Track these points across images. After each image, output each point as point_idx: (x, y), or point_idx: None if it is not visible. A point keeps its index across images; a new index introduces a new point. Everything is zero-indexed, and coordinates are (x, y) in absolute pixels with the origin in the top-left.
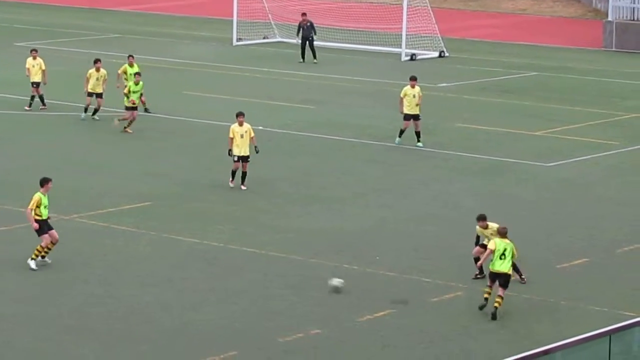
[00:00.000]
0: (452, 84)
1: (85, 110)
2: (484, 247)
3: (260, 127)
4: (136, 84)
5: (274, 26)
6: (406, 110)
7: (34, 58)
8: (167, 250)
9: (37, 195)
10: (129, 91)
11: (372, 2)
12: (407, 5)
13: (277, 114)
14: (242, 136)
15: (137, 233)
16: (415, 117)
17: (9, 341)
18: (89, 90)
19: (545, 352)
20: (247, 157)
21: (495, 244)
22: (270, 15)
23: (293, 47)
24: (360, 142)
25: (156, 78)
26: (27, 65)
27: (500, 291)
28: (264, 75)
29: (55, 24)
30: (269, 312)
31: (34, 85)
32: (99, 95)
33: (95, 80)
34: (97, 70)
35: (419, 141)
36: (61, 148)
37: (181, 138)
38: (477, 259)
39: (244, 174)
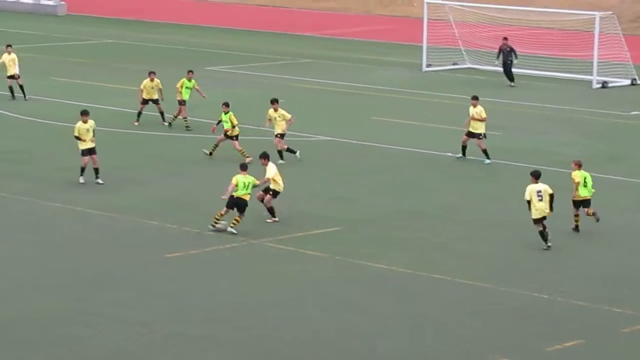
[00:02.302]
0: None
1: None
2: (540, 221)
3: (449, 154)
4: (225, 113)
5: (464, 52)
6: (469, 128)
7: (152, 80)
8: (355, 276)
9: (234, 178)
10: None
11: (563, 29)
12: (599, 32)
13: None
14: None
15: (325, 258)
16: (476, 136)
17: None
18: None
19: None
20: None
21: (579, 175)
22: (460, 42)
23: (482, 74)
24: (549, 169)
25: (346, 103)
26: (141, 87)
27: (590, 210)
28: (453, 102)
29: (245, 48)
30: (456, 339)
31: (154, 102)
32: None
33: None
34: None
35: (487, 158)
36: (249, 172)
37: (369, 163)
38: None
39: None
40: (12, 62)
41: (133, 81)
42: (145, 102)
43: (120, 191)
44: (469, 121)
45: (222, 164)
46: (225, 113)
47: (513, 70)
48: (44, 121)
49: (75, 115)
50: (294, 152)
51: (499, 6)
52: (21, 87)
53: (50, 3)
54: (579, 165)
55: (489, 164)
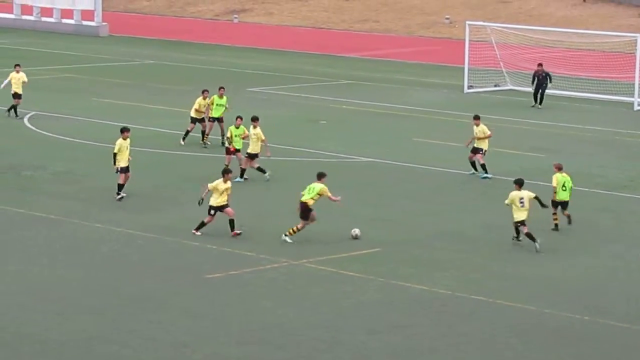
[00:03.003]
0: None
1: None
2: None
3: (491, 175)
4: (237, 127)
5: (505, 74)
6: (474, 145)
7: (204, 98)
8: (395, 297)
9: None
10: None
11: (604, 51)
12: None
13: (506, 161)
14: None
15: (365, 279)
16: (479, 151)
17: None
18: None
19: None
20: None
21: (557, 179)
22: (501, 63)
23: (524, 95)
24: (590, 192)
25: (386, 124)
26: (209, 102)
27: (565, 212)
28: (494, 123)
29: (286, 70)
30: None
31: (200, 122)
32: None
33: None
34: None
35: (475, 170)
36: (290, 193)
37: (410, 184)
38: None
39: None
40: (19, 82)
41: (174, 102)
42: (194, 121)
43: (161, 212)
44: (472, 140)
45: (262, 184)
46: (237, 127)
47: (547, 92)
48: (85, 142)
49: (116, 136)
50: (264, 172)
51: (540, 28)
52: (16, 106)
53: (93, 24)
54: (559, 169)
55: (484, 178)
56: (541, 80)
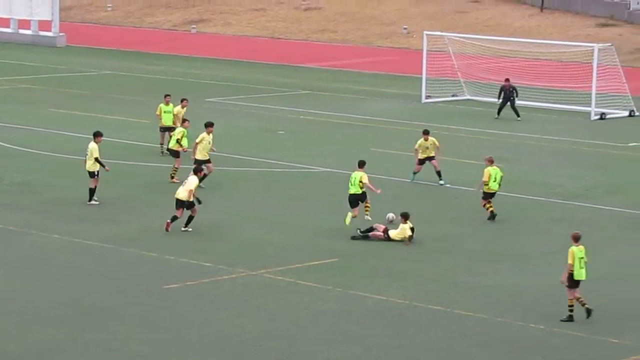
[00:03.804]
0: None
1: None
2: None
3: (448, 185)
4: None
5: (463, 84)
6: (420, 156)
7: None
8: (354, 307)
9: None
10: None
11: (562, 61)
12: (598, 64)
13: (465, 172)
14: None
15: (323, 289)
16: (430, 159)
17: None
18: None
19: None
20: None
21: (489, 172)
22: (459, 73)
23: (482, 105)
24: (548, 201)
25: (344, 134)
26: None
27: (490, 203)
28: (452, 133)
29: (244, 80)
30: None
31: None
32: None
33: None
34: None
35: (440, 179)
36: (248, 204)
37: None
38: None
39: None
40: None
41: (132, 112)
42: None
43: (119, 222)
44: (417, 151)
45: (221, 195)
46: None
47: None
48: (42, 152)
49: (74, 147)
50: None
51: (498, 38)
52: None
53: (50, 34)
54: (491, 162)
55: (442, 184)
56: (508, 94)
